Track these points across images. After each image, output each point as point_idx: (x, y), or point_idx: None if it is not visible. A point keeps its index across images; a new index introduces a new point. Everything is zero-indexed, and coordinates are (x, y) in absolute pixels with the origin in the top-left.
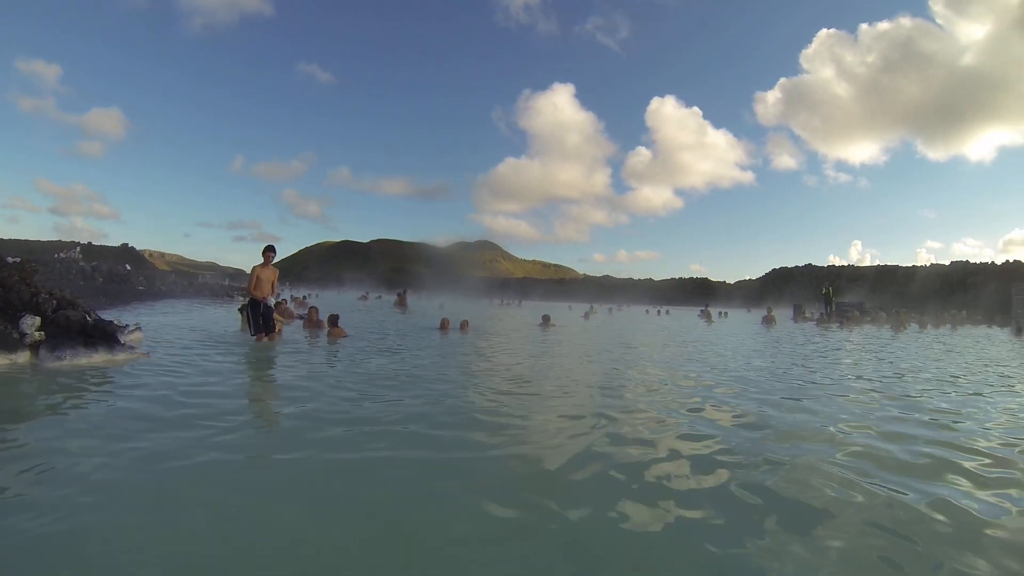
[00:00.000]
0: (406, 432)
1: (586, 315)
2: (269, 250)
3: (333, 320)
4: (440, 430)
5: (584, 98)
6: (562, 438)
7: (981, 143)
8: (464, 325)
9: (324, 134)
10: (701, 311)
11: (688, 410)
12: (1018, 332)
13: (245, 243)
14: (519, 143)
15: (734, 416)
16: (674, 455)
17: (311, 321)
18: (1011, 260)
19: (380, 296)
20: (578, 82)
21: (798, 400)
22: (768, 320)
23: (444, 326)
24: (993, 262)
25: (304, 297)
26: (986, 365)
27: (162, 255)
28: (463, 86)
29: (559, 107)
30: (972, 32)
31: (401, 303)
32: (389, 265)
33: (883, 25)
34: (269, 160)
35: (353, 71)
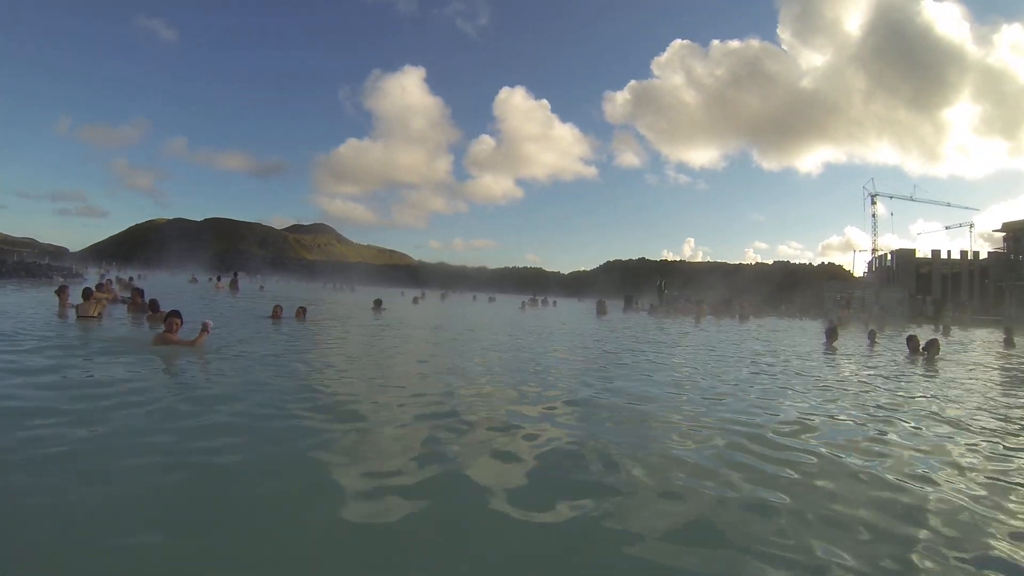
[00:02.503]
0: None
1: (415, 300)
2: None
3: (154, 306)
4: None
5: (434, 83)
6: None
7: (810, 158)
8: (300, 312)
9: (161, 99)
10: (530, 299)
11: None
12: (834, 332)
13: (69, 217)
14: (364, 124)
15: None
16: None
17: (135, 304)
18: (826, 263)
19: (218, 278)
20: (430, 66)
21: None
22: (600, 309)
23: (276, 314)
24: (811, 263)
25: (130, 279)
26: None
27: None
28: (312, 61)
29: (408, 90)
30: (812, 60)
31: (233, 286)
32: (223, 246)
33: (734, 43)
34: (98, 123)
35: (199, 31)
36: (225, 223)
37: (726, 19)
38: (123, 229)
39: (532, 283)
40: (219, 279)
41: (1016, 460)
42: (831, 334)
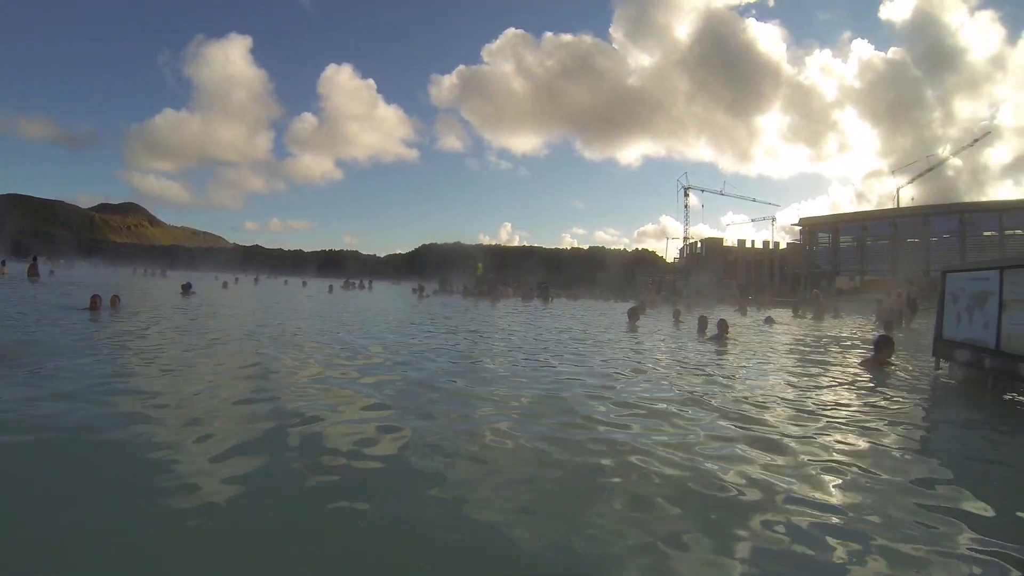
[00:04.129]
0: None
1: (224, 285)
2: None
3: None
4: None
5: (260, 54)
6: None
7: (631, 150)
8: (114, 301)
9: None
10: (344, 282)
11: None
12: (642, 309)
13: None
14: (182, 94)
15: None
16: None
17: None
18: (640, 248)
19: (2, 263)
20: (257, 35)
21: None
22: (419, 293)
23: (95, 304)
24: (625, 249)
25: None
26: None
27: None
28: (131, 18)
29: (231, 60)
30: (641, 60)
31: (32, 272)
32: (21, 226)
33: (567, 37)
34: None
35: None
36: (24, 200)
37: (562, 13)
38: None
39: (346, 265)
40: (3, 264)
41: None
42: (632, 313)
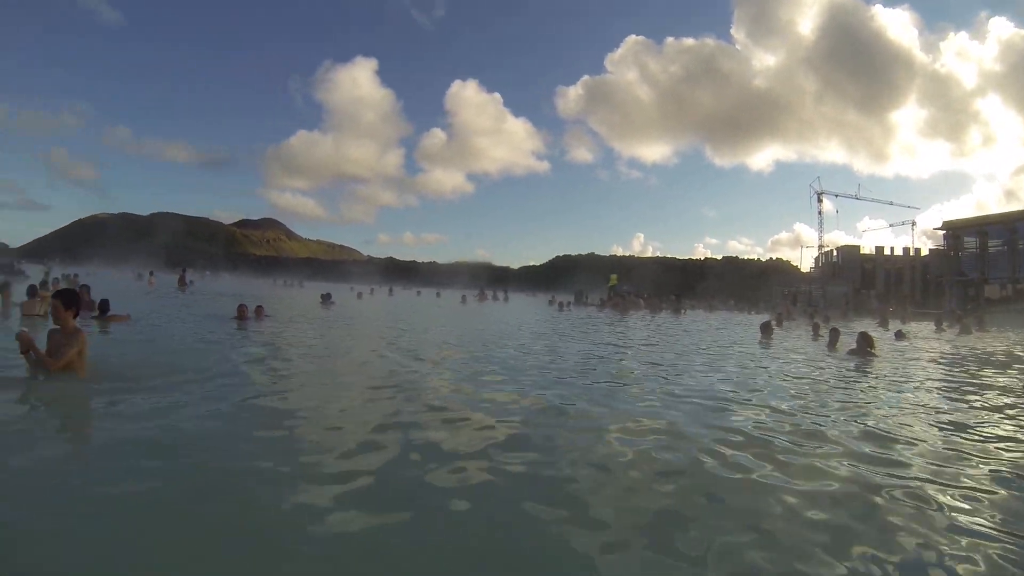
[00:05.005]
0: None
1: (359, 295)
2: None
3: (103, 307)
4: None
5: (386, 75)
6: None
7: (761, 155)
8: (259, 311)
9: (103, 85)
10: (478, 293)
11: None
12: (778, 322)
13: (7, 211)
14: (314, 116)
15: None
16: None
17: (83, 302)
18: (775, 258)
19: (150, 274)
20: (382, 58)
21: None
22: (559, 304)
23: (242, 314)
24: (760, 259)
25: (75, 275)
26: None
27: None
28: (263, 49)
29: (359, 82)
30: (765, 60)
31: (181, 283)
32: (170, 241)
33: (688, 41)
34: (34, 110)
35: (145, 14)
36: (172, 218)
37: (681, 17)
38: (66, 224)
39: (483, 277)
40: (151, 275)
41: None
42: (765, 328)
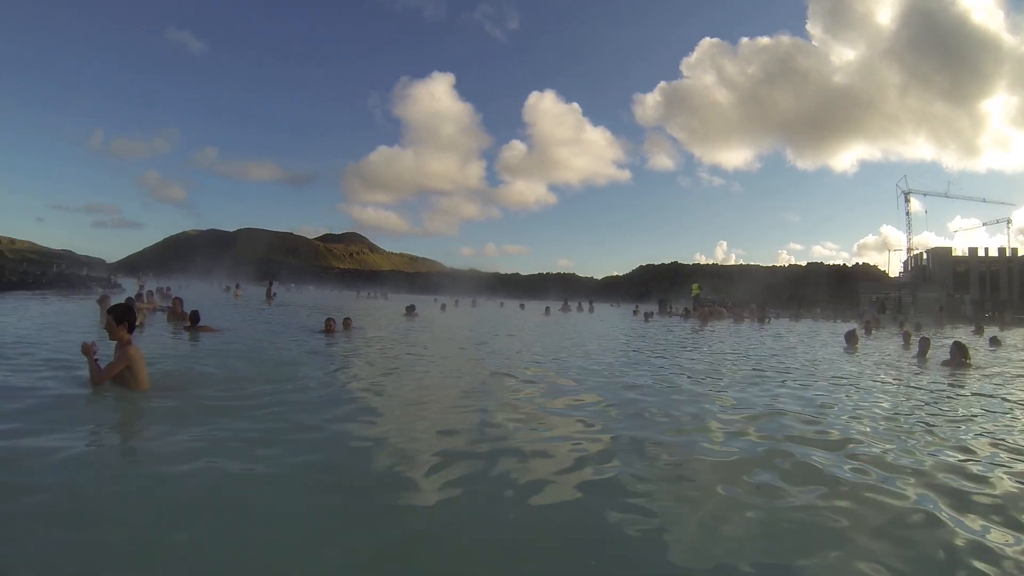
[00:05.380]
0: None
1: (443, 307)
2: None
3: (195, 317)
4: None
5: (463, 88)
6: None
7: (845, 156)
8: (347, 323)
9: (190, 110)
10: (562, 304)
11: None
12: (867, 331)
13: (105, 229)
14: (393, 132)
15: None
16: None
17: (175, 313)
18: (861, 263)
19: (236, 286)
20: (459, 72)
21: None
22: (644, 314)
23: (330, 328)
24: (845, 264)
25: (167, 288)
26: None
27: (12, 241)
28: (341, 69)
29: (436, 97)
30: (844, 54)
31: (268, 295)
32: (256, 255)
33: (763, 40)
34: (130, 136)
35: (228, 42)
36: (257, 233)
37: (754, 16)
38: (158, 240)
39: (565, 287)
40: (237, 287)
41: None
42: (851, 337)
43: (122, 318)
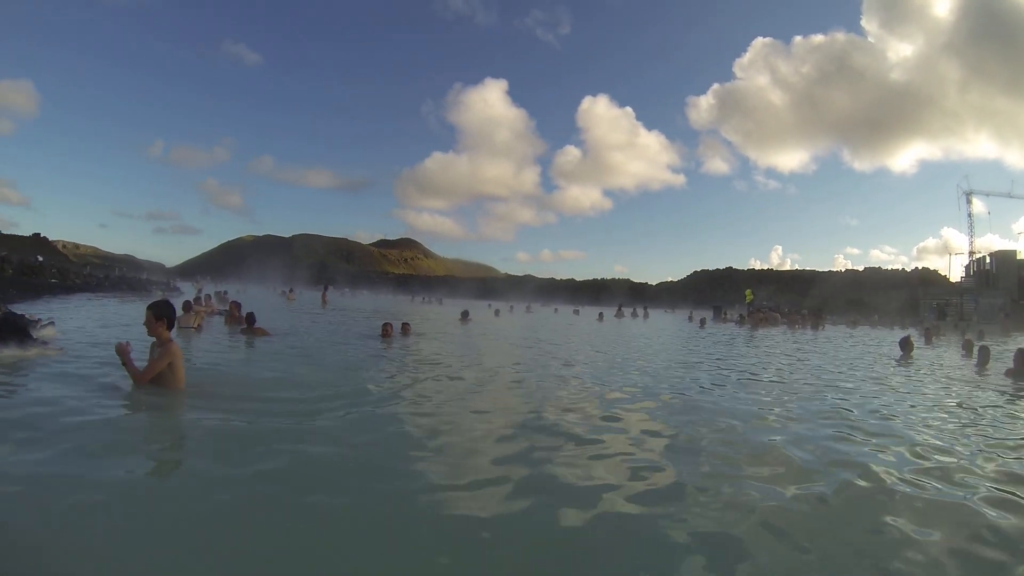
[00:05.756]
0: None
1: (496, 312)
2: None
3: (250, 319)
4: None
5: (516, 94)
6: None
7: (904, 156)
8: (405, 328)
9: (247, 119)
10: (617, 310)
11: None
12: (927, 338)
13: (165, 235)
14: (447, 138)
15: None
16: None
17: (232, 317)
18: (921, 267)
19: (289, 290)
20: (511, 78)
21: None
22: (700, 321)
23: (387, 332)
24: (904, 268)
25: (225, 292)
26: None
27: (76, 246)
28: (394, 77)
29: (490, 103)
30: (901, 50)
31: (324, 300)
32: (311, 260)
33: (817, 38)
34: (189, 145)
35: (282, 53)
36: (313, 239)
37: (808, 13)
38: (215, 245)
39: (622, 293)
40: (290, 291)
41: None
42: (906, 344)
43: (161, 315)
